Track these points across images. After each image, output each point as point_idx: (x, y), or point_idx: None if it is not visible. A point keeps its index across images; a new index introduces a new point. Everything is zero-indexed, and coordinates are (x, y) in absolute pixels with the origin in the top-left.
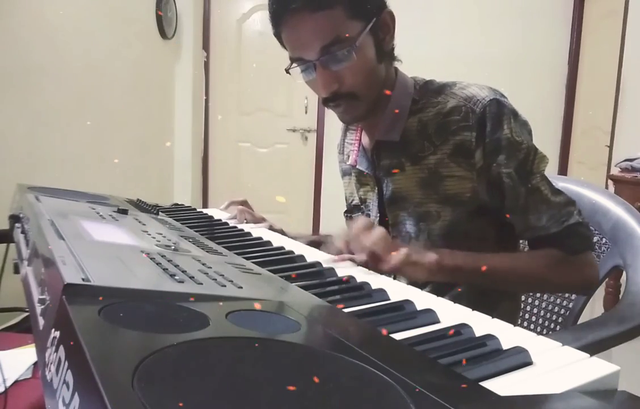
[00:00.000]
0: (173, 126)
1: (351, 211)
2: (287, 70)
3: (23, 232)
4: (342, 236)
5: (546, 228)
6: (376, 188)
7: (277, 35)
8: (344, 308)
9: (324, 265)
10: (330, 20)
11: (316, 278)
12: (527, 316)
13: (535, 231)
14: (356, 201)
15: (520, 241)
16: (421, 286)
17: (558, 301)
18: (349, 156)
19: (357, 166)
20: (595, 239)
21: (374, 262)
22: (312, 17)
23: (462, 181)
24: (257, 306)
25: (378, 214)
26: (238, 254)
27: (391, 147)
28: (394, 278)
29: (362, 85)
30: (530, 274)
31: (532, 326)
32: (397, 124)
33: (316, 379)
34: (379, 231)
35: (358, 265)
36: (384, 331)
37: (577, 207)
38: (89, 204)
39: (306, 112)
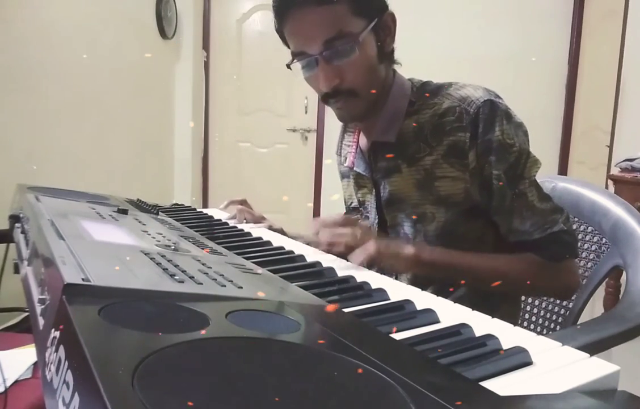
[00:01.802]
0: (173, 126)
1: (350, 213)
2: (288, 66)
3: (23, 232)
4: (319, 225)
5: (529, 233)
6: (373, 190)
7: (280, 31)
8: (344, 307)
9: (324, 265)
10: (334, 15)
11: (316, 278)
12: (527, 316)
13: (517, 235)
14: (355, 203)
15: None
16: (424, 287)
17: (558, 301)
18: (346, 158)
19: (355, 168)
20: (595, 238)
21: (348, 252)
22: (316, 10)
23: (455, 181)
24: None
25: (377, 216)
26: (238, 254)
27: (388, 148)
28: (395, 278)
29: (362, 83)
30: (508, 276)
31: (532, 326)
32: (393, 125)
33: (316, 380)
34: (350, 227)
35: (331, 253)
36: (394, 329)
37: (564, 214)
38: (89, 204)
39: (306, 112)
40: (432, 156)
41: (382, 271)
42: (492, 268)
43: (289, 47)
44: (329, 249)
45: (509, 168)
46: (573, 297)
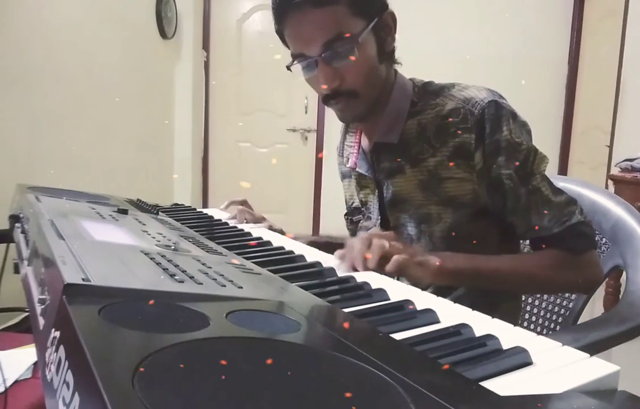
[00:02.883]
0: (173, 126)
1: (351, 213)
2: (288, 67)
3: (23, 232)
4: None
5: (548, 229)
6: (376, 191)
7: (280, 31)
8: (344, 307)
9: (324, 265)
10: (334, 16)
11: (316, 278)
12: (527, 316)
13: (537, 232)
14: (356, 203)
15: (521, 241)
16: (423, 287)
17: (558, 301)
18: (348, 159)
19: (357, 169)
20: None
21: (379, 266)
22: (315, 12)
23: (462, 182)
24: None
25: (379, 217)
26: (238, 254)
27: (390, 149)
28: (398, 279)
29: (362, 84)
30: (533, 275)
31: (532, 326)
32: (395, 126)
33: (317, 380)
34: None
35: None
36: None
37: (578, 206)
38: (89, 204)
39: (306, 112)
40: (435, 157)
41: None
42: (516, 269)
43: (289, 48)
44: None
45: (519, 167)
46: (573, 297)
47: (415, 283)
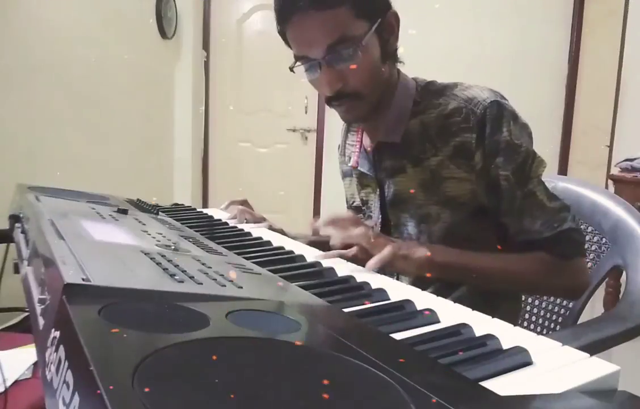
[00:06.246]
0: (173, 126)
1: (352, 212)
2: (291, 69)
3: (23, 232)
4: (327, 221)
5: (539, 232)
6: (377, 190)
7: (282, 33)
8: (344, 307)
9: (324, 265)
10: (337, 19)
11: (316, 278)
12: (527, 316)
13: (528, 235)
14: (357, 202)
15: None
16: (425, 286)
17: (558, 301)
18: (350, 158)
19: (359, 168)
20: (595, 238)
21: (362, 256)
22: (318, 15)
23: (461, 182)
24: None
25: (380, 216)
26: (238, 254)
27: (392, 148)
28: (397, 278)
29: (366, 85)
30: (520, 275)
31: (532, 326)
32: (398, 126)
33: (317, 380)
34: (363, 227)
35: (347, 261)
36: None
37: (571, 212)
38: (89, 204)
39: (306, 112)
40: (437, 157)
41: (386, 272)
42: (505, 269)
43: (291, 49)
44: (342, 253)
45: (517, 169)
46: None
47: (404, 275)
